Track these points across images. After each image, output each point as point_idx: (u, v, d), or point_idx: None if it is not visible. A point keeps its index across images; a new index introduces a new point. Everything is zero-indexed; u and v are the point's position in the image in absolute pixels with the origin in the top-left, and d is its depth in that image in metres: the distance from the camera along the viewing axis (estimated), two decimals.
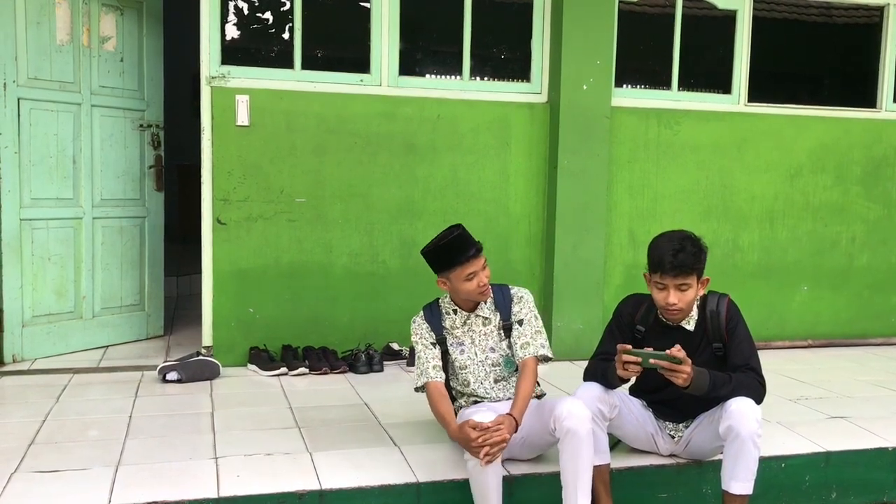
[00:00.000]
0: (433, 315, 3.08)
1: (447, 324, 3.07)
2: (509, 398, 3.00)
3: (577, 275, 4.80)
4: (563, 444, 2.69)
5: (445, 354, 3.05)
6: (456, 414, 3.00)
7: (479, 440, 2.58)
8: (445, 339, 3.05)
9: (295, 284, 4.54)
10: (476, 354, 3.05)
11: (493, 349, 3.05)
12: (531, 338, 3.00)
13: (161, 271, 5.12)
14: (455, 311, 3.06)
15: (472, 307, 3.05)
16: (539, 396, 3.09)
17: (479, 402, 3.04)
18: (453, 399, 3.09)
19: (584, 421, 2.66)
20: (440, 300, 3.13)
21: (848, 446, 3.35)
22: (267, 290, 4.50)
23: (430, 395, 2.93)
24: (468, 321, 3.05)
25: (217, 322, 4.45)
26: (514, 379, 3.05)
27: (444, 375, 3.00)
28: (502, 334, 3.05)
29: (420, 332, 3.06)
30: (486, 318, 3.06)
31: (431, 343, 3.03)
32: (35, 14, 4.32)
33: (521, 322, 3.03)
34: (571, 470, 2.67)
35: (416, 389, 3.04)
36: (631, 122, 4.98)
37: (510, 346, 3.05)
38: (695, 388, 2.71)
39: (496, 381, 3.05)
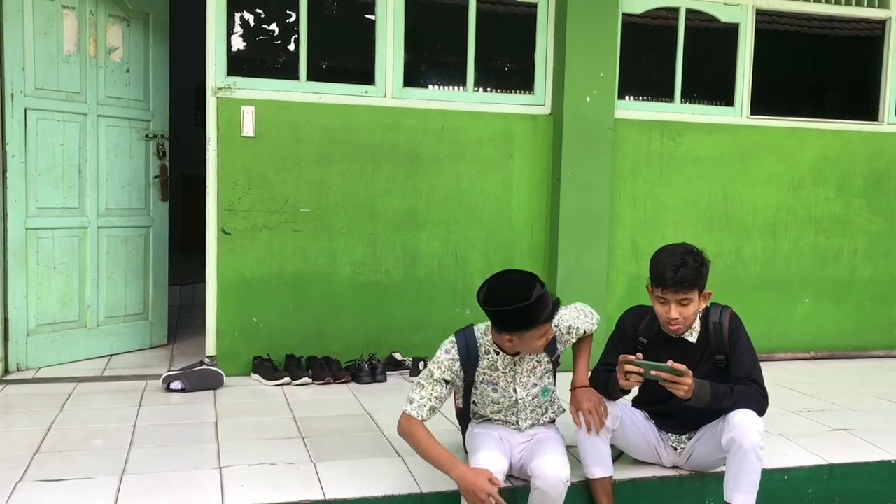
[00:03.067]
0: (469, 355, 2.75)
1: (484, 364, 2.79)
2: (534, 424, 2.91)
3: (580, 285, 4.81)
4: (532, 496, 2.67)
5: (471, 387, 2.84)
6: (466, 421, 2.97)
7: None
8: (475, 381, 2.81)
9: (299, 294, 4.56)
10: (515, 391, 2.83)
11: (535, 385, 2.87)
12: (579, 321, 2.92)
13: (165, 281, 5.13)
14: (497, 353, 2.78)
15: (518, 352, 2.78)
16: (553, 420, 3.00)
17: (495, 421, 2.93)
18: (468, 415, 2.95)
19: (558, 485, 2.61)
20: (476, 334, 2.80)
21: (851, 459, 3.35)
22: (271, 300, 4.52)
23: (419, 434, 2.66)
24: (512, 363, 2.79)
25: (221, 331, 4.46)
26: (546, 404, 2.93)
27: (434, 416, 2.76)
28: (548, 368, 2.88)
29: (444, 368, 2.74)
30: (537, 358, 2.84)
31: (445, 380, 2.74)
32: (43, 25, 4.35)
33: (569, 329, 2.90)
34: None
35: (404, 413, 2.72)
36: (634, 133, 5.01)
37: (552, 375, 2.92)
38: (696, 401, 2.72)
39: (530, 411, 2.91)
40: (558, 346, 2.89)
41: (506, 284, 2.61)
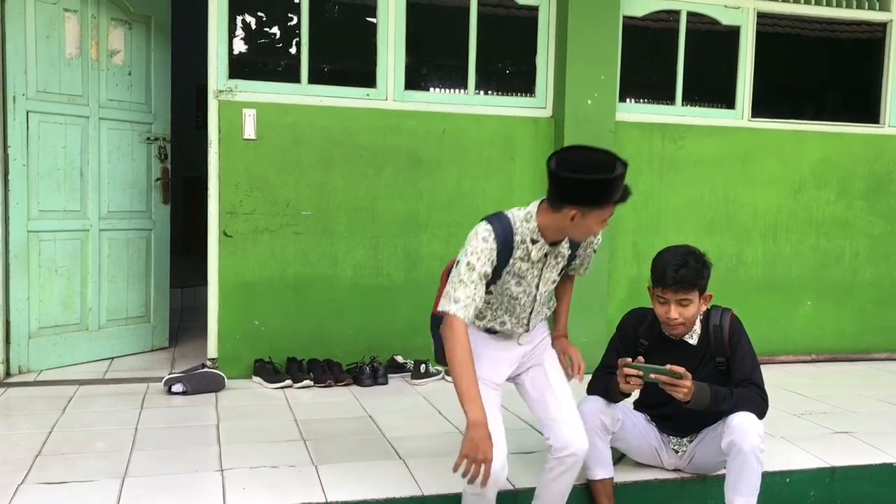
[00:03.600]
0: (506, 244, 2.46)
1: (518, 254, 2.51)
2: (536, 325, 2.76)
3: (582, 288, 4.74)
4: (551, 473, 2.66)
5: (493, 281, 2.54)
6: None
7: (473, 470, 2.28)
8: (502, 269, 2.52)
9: (300, 297, 4.56)
10: (538, 287, 2.60)
11: (554, 281, 2.67)
12: (590, 261, 2.83)
13: (167, 283, 5.14)
14: (534, 242, 2.51)
15: (558, 241, 2.54)
16: (547, 315, 2.85)
17: (493, 330, 2.69)
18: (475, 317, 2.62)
19: (580, 460, 2.64)
20: (514, 221, 2.51)
21: (852, 461, 3.35)
22: (272, 303, 4.52)
23: (461, 349, 2.37)
24: (544, 256, 2.54)
25: (222, 334, 4.46)
26: (550, 303, 2.81)
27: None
28: (564, 264, 2.67)
29: (483, 259, 2.43)
30: (563, 254, 2.62)
31: (486, 274, 2.45)
32: (45, 28, 4.36)
33: (596, 244, 2.76)
34: (558, 492, 2.69)
35: (439, 313, 2.48)
36: (635, 136, 5.01)
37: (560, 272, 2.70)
38: (696, 403, 2.72)
39: (540, 313, 2.74)
40: (579, 251, 2.70)
41: (583, 152, 2.43)
